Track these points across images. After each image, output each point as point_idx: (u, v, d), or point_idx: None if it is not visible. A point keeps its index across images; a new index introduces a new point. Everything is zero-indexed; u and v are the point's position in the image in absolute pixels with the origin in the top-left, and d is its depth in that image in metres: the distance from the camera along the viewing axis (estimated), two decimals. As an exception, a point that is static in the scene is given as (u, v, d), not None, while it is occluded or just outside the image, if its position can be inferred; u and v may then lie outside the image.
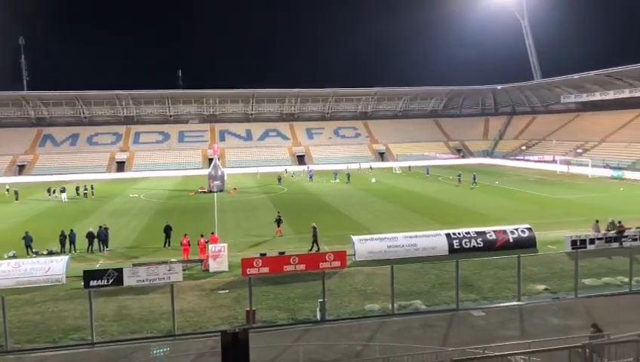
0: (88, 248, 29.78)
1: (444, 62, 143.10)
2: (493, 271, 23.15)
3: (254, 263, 23.69)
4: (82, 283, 22.47)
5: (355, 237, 27.38)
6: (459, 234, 27.60)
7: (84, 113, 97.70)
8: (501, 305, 19.51)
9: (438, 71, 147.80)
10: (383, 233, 29.30)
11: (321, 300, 18.54)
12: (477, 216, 37.51)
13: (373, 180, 64.99)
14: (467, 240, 27.26)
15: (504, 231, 27.98)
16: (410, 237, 27.46)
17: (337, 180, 66.07)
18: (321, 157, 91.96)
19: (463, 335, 16.57)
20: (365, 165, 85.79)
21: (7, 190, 58.79)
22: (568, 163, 72.11)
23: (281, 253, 25.89)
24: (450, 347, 14.18)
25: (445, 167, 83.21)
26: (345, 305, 19.86)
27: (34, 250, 29.00)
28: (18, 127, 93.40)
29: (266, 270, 23.58)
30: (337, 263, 24.31)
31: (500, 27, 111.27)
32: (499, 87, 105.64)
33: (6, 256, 27.53)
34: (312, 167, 79.24)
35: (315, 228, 29.12)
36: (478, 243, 27.20)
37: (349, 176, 66.28)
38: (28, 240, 29.20)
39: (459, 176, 61.08)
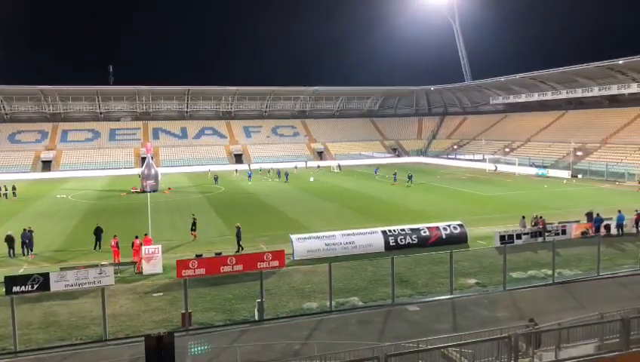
0: (9, 252, 28.06)
1: (379, 63, 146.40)
2: (427, 267, 23.85)
3: (190, 264, 23.12)
4: (3, 290, 21.13)
5: (293, 236, 27.38)
6: (394, 231, 28.20)
7: (4, 109, 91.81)
8: (435, 299, 20.13)
9: (374, 71, 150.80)
10: (322, 231, 29.48)
11: (259, 300, 18.40)
12: (412, 214, 38.52)
13: (312, 179, 65.30)
14: (402, 236, 27.91)
15: (437, 228, 28.87)
16: (348, 235, 27.79)
17: (277, 179, 65.90)
18: (259, 156, 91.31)
19: (398, 330, 16.95)
20: (312, 164, 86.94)
21: None
22: (496, 162, 75.52)
23: (217, 254, 25.47)
24: (386, 342, 14.44)
25: (381, 165, 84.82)
26: (283, 304, 19.81)
27: (-52, 256, 27.00)
28: None
29: (202, 271, 23.05)
30: (276, 263, 24.14)
31: (433, 30, 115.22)
32: (432, 88, 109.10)
33: None
34: (273, 166, 79.36)
35: (238, 227, 28.81)
36: (412, 240, 27.92)
37: (287, 175, 66.25)
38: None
39: (394, 174, 62.50)
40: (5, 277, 21.48)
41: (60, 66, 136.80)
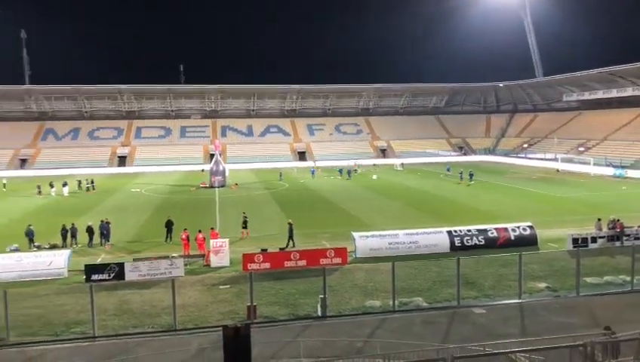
0: (89, 242, 29.83)
1: (446, 59, 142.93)
2: (495, 269, 23.13)
3: (255, 258, 23.77)
4: (84, 277, 22.55)
5: (355, 234, 27.36)
6: (460, 231, 27.57)
7: (85, 107, 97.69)
8: (502, 302, 19.53)
9: (441, 67, 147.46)
10: (384, 230, 29.28)
11: (322, 296, 18.55)
12: (478, 214, 37.48)
13: (375, 177, 64.97)
14: (469, 237, 27.23)
15: (505, 229, 27.95)
16: (412, 234, 27.42)
17: (340, 177, 66.04)
18: (322, 154, 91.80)
19: (464, 332, 16.56)
20: (366, 162, 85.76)
21: (4, 184, 58.71)
22: (569, 160, 71.93)
23: (281, 249, 25.94)
24: (451, 344, 14.17)
25: (447, 164, 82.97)
26: (346, 301, 19.87)
27: (36, 244, 29.04)
28: (20, 121, 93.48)
29: (266, 265, 23.63)
30: (338, 260, 24.34)
31: (502, 24, 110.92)
32: (501, 85, 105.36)
33: (8, 250, 27.56)
34: (356, 162, 79.26)
35: (291, 224, 29.00)
36: (479, 241, 27.17)
37: (349, 172, 66.30)
38: (30, 234, 29.25)
39: (460, 173, 60.93)
40: (85, 266, 22.97)
41: (134, 67, 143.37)
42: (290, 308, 19.24)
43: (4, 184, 58.80)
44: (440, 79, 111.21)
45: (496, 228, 28.01)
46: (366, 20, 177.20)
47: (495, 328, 16.92)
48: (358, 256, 26.17)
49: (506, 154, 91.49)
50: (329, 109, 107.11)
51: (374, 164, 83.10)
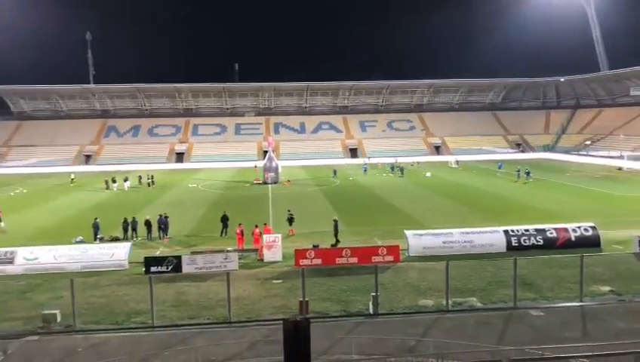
0: (147, 235, 30.97)
1: (503, 52, 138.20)
2: (554, 270, 22.31)
3: (307, 254, 23.99)
4: (143, 269, 23.46)
5: (408, 232, 27.05)
6: (517, 231, 26.77)
7: (145, 105, 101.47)
8: (562, 305, 18.81)
9: (498, 62, 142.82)
10: (438, 228, 28.81)
11: (374, 294, 18.48)
12: (536, 213, 36.23)
13: (428, 174, 63.96)
14: (526, 237, 26.40)
15: (565, 229, 26.89)
16: (467, 233, 26.86)
17: (392, 174, 65.45)
18: (374, 151, 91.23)
19: (520, 335, 16.10)
20: (411, 160, 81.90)
21: (72, 179, 61.85)
22: (636, 158, 68.21)
23: (333, 246, 26.01)
24: (506, 346, 13.81)
25: (503, 161, 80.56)
26: (398, 299, 19.72)
27: (98, 236, 30.44)
28: (85, 119, 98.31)
29: (318, 261, 23.80)
30: (390, 258, 24.19)
31: (564, 16, 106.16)
32: (562, 79, 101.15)
33: (74, 241, 29.05)
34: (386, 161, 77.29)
35: (336, 221, 28.87)
36: (537, 241, 26.29)
37: (402, 169, 65.49)
38: (96, 228, 30.68)
39: (517, 171, 59.00)
40: (145, 258, 23.88)
41: (191, 66, 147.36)
42: (341, 305, 19.29)
43: (72, 179, 62.00)
44: (497, 74, 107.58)
45: (555, 228, 27.01)
46: (421, 16, 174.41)
47: (554, 331, 16.33)
48: (411, 254, 25.88)
49: (567, 151, 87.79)
50: (381, 106, 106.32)
51: (417, 162, 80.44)
